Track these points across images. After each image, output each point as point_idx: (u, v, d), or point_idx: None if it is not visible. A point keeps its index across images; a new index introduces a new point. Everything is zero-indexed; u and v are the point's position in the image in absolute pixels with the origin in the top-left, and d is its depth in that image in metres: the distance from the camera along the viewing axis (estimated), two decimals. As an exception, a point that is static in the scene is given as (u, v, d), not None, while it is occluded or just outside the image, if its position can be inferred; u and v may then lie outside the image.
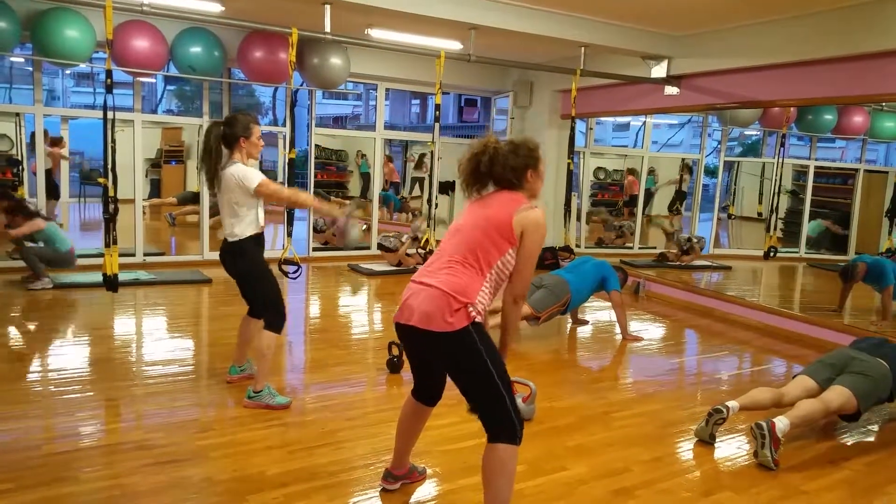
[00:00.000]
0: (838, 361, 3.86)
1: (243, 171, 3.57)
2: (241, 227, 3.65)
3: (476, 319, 2.35)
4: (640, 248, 9.84)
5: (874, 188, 9.80)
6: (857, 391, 3.63)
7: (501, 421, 2.37)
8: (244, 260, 3.70)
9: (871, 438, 3.81)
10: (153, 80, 15.35)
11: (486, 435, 2.40)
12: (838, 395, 3.62)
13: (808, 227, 9.81)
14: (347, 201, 12.29)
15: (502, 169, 2.46)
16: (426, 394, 2.74)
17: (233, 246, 3.69)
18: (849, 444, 3.72)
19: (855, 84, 5.62)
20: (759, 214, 9.96)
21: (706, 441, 3.62)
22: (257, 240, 3.74)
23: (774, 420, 3.38)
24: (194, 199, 10.99)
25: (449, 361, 2.42)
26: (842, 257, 9.39)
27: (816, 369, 3.88)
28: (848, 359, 3.85)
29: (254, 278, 3.75)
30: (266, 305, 3.77)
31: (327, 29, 5.44)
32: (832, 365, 3.85)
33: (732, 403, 3.64)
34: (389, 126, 12.95)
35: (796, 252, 9.80)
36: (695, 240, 9.21)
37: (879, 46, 5.27)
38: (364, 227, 9.96)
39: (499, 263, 2.40)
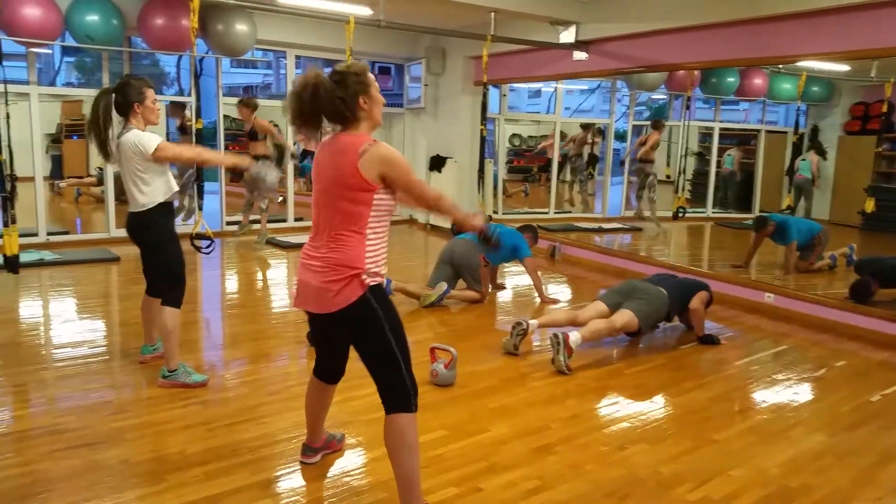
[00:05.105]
0: (625, 289, 4.71)
1: (138, 136, 3.42)
2: (149, 196, 3.50)
3: (371, 283, 2.32)
4: (555, 212, 10.05)
5: (774, 148, 10.31)
6: (638, 313, 4.44)
7: (396, 390, 2.35)
8: (152, 231, 3.55)
9: (774, 388, 4.06)
10: (49, 52, 14.43)
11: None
12: (622, 316, 4.43)
13: (724, 160, 10.26)
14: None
15: (330, 103, 2.28)
16: (328, 372, 2.71)
17: (140, 216, 3.53)
18: (754, 395, 3.95)
19: (758, 46, 5.81)
20: (668, 177, 10.31)
21: (511, 352, 4.35)
22: (167, 208, 3.60)
23: (568, 332, 4.14)
24: None
25: (350, 334, 2.40)
26: (747, 215, 9.89)
27: (608, 296, 4.71)
28: (633, 288, 4.69)
29: (160, 249, 3.60)
30: (166, 279, 3.61)
31: (232, -6, 5.26)
32: (620, 292, 4.69)
33: (532, 321, 4.41)
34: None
35: (703, 212, 10.24)
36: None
37: (781, 9, 5.47)
38: (280, 199, 9.75)
39: (372, 214, 2.31)
